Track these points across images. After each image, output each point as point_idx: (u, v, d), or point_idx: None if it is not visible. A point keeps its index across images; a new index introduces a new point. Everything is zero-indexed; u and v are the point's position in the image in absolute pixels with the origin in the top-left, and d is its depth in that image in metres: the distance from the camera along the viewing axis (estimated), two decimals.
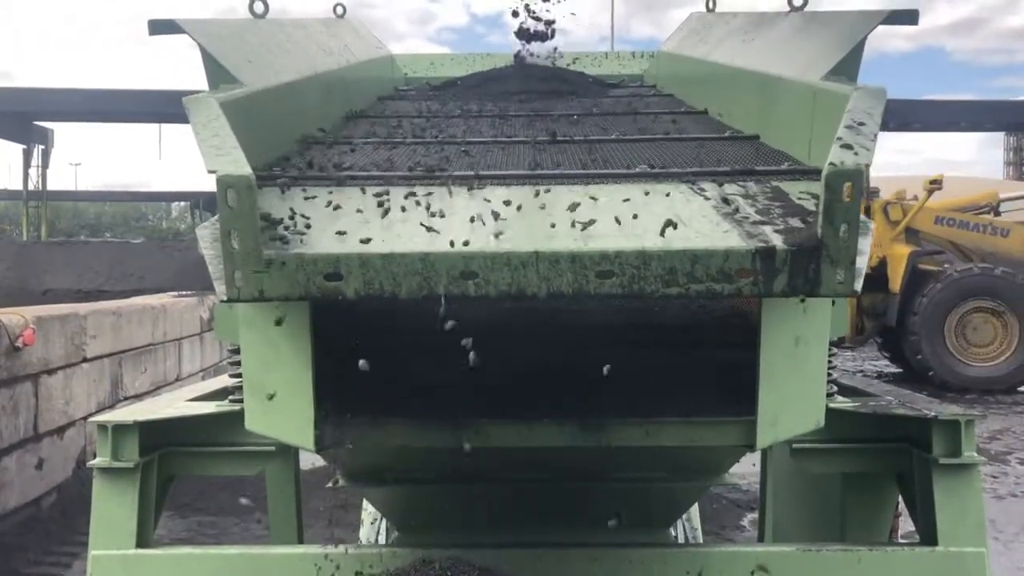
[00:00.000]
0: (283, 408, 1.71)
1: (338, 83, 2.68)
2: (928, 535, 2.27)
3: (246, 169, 1.34)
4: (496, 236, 1.40)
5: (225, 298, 1.36)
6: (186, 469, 2.59)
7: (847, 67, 1.85)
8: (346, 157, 1.92)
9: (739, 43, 2.67)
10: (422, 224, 1.44)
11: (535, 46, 3.79)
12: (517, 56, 3.86)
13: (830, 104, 1.67)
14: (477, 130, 2.38)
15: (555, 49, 3.98)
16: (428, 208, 1.51)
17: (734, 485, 2.45)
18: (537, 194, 1.59)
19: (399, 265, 1.35)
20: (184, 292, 10.51)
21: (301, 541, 3.29)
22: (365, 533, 3.45)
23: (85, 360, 6.96)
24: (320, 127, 2.29)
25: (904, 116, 37.56)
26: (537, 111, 2.80)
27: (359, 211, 1.49)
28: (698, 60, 3.00)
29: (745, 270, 1.35)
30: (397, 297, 1.36)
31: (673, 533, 3.48)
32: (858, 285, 1.37)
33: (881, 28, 1.91)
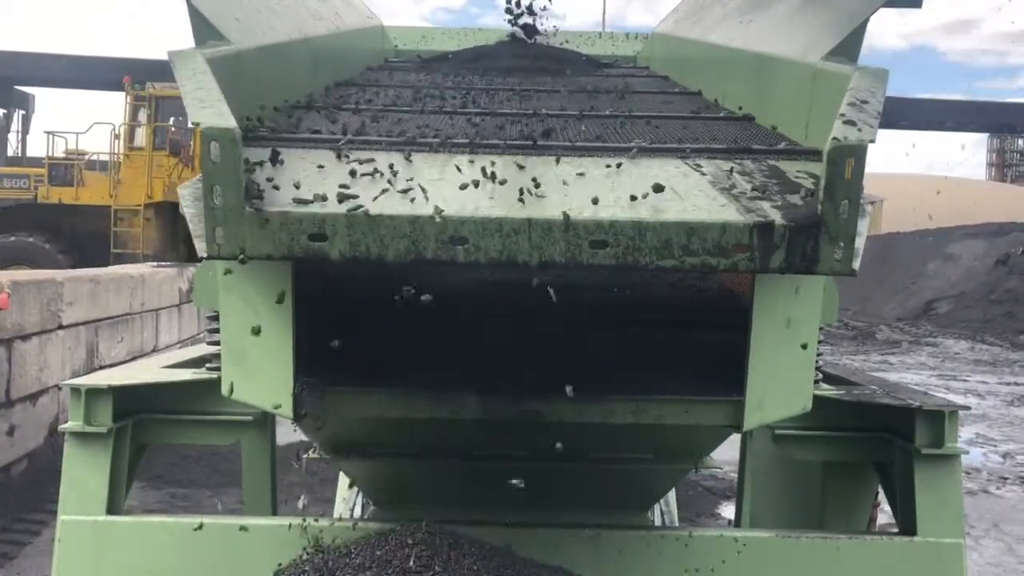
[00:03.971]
0: (261, 375, 1.67)
1: (326, 50, 2.62)
2: (907, 525, 2.27)
3: (231, 122, 1.29)
4: (488, 202, 1.36)
5: (205, 255, 1.32)
6: (160, 437, 2.55)
7: (848, 49, 1.82)
8: (335, 122, 1.87)
9: (736, 24, 2.63)
10: (412, 187, 1.40)
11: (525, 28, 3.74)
12: (513, 35, 3.81)
13: (830, 85, 1.63)
14: (469, 102, 2.34)
15: (555, 28, 3.94)
16: (420, 173, 1.47)
17: (716, 468, 2.44)
18: (532, 165, 1.55)
19: (387, 227, 1.31)
20: (164, 263, 10.40)
21: (275, 513, 3.25)
22: (339, 508, 3.42)
23: (61, 327, 6.87)
24: (307, 92, 2.24)
25: (890, 115, 37.77)
26: (529, 87, 2.75)
27: (349, 174, 1.45)
28: (693, 41, 2.96)
29: (742, 245, 1.32)
30: (383, 260, 1.32)
31: (650, 516, 3.47)
32: (856, 264, 1.34)
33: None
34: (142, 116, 15.58)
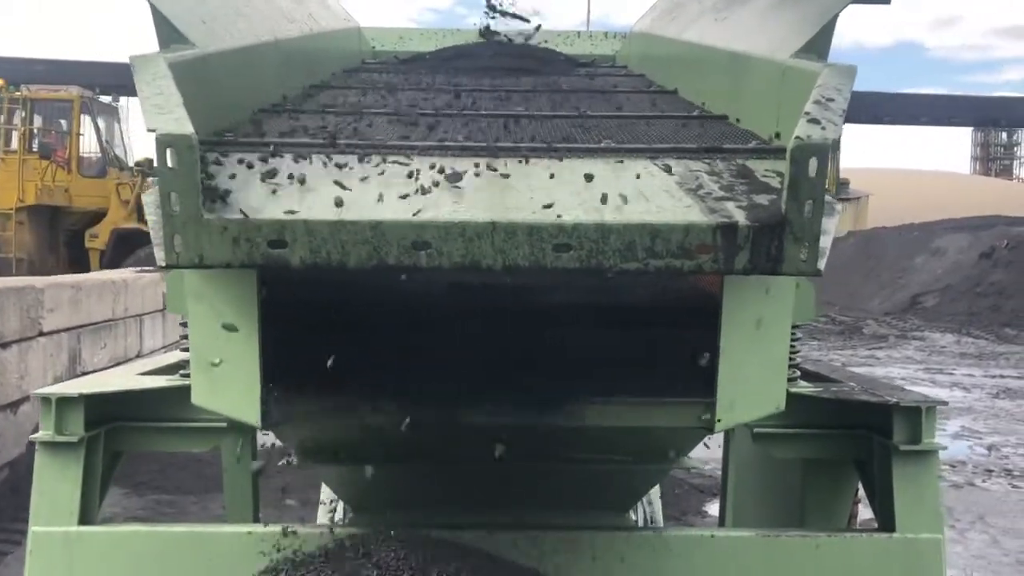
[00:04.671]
0: (229, 382, 1.65)
1: (299, 52, 2.60)
2: (886, 522, 2.26)
3: (187, 128, 1.27)
4: (451, 206, 1.35)
5: (164, 263, 1.30)
6: (135, 445, 2.52)
7: (818, 46, 1.81)
8: (300, 125, 1.85)
9: (711, 22, 2.62)
10: (374, 192, 1.38)
11: (505, 25, 3.73)
12: (485, 30, 3.80)
13: (799, 82, 1.63)
14: (440, 103, 2.32)
15: (538, 27, 3.93)
16: (382, 176, 1.45)
17: (694, 468, 2.44)
18: (497, 167, 1.53)
19: (348, 233, 1.29)
20: (146, 268, 10.34)
21: (257, 520, 3.22)
22: (322, 515, 3.40)
23: (41, 334, 6.81)
24: (278, 95, 2.22)
25: (875, 110, 38.01)
26: (503, 87, 2.74)
27: (309, 179, 1.43)
28: (669, 40, 2.95)
29: (705, 246, 1.31)
30: (345, 267, 1.30)
31: (633, 516, 3.46)
32: (822, 264, 1.33)
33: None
34: (17, 119, 15.50)
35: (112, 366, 7.99)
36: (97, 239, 15.07)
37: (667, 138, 1.87)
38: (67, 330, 7.27)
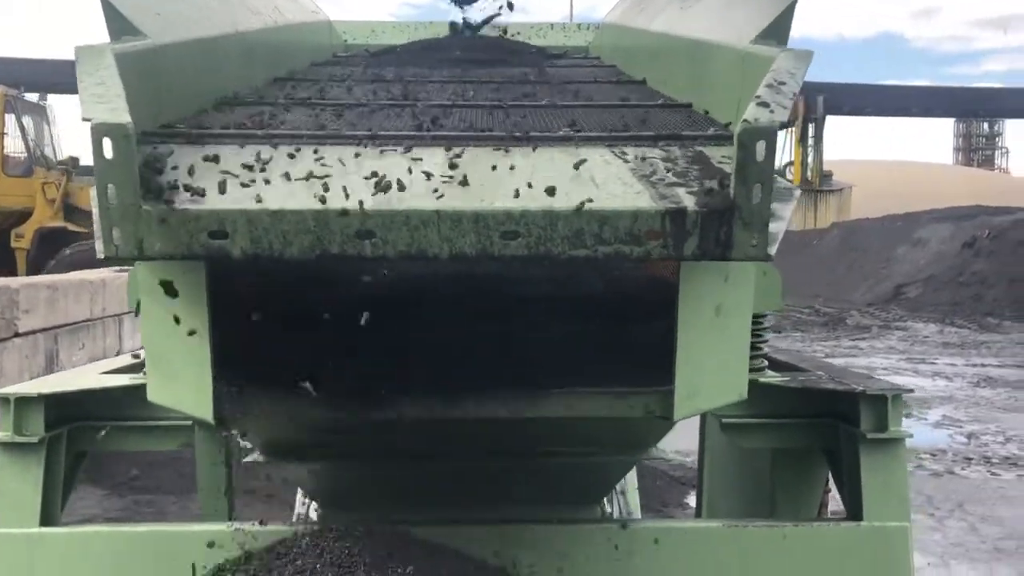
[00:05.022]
0: (181, 379, 1.62)
1: (263, 44, 2.57)
2: (854, 510, 2.26)
3: (124, 117, 1.24)
4: (397, 194, 1.33)
5: (103, 256, 1.27)
6: (99, 444, 2.49)
7: (777, 32, 1.80)
8: (254, 117, 1.83)
9: (677, 11, 2.61)
10: (320, 182, 1.36)
11: (475, 12, 3.71)
12: (453, 25, 3.78)
13: (758, 68, 1.61)
14: (399, 94, 2.29)
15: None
16: (328, 166, 1.43)
17: (661, 459, 2.43)
18: (451, 156, 1.51)
19: (289, 223, 1.27)
20: (124, 267, 10.25)
21: (232, 518, 3.20)
22: (297, 511, 3.37)
23: (17, 335, 6.74)
24: (239, 88, 2.18)
25: (858, 101, 38.16)
26: (472, 78, 2.72)
27: (253, 168, 1.40)
28: (637, 30, 2.94)
29: (654, 232, 1.29)
30: (287, 257, 1.28)
31: (609, 509, 3.45)
32: (772, 250, 1.32)
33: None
34: None
35: None
36: (23, 239, 14.95)
37: (629, 127, 1.86)
38: (43, 331, 7.20)
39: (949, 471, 7.51)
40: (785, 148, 40.97)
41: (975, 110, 44.95)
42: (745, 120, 1.27)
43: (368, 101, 2.09)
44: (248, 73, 2.32)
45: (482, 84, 2.56)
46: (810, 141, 37.43)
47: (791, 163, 38.64)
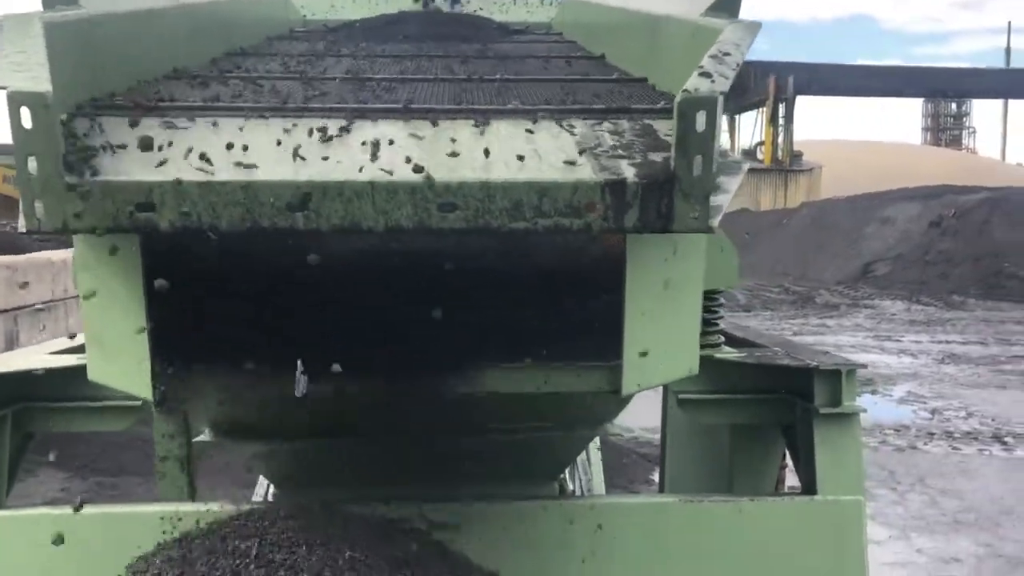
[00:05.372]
0: (119, 357, 1.59)
1: (211, 17, 2.51)
2: (808, 485, 2.27)
3: (44, 86, 1.20)
4: (331, 165, 1.29)
5: (24, 230, 1.23)
6: (46, 425, 2.43)
7: (730, 4, 1.78)
8: (193, 90, 1.78)
9: None
10: (253, 154, 1.32)
11: None
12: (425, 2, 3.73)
13: (708, 40, 1.59)
14: (353, 69, 2.25)
15: None
16: (261, 138, 1.39)
17: (618, 434, 2.42)
18: (395, 129, 1.48)
19: (218, 194, 1.23)
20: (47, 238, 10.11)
21: (193, 499, 3.16)
22: (257, 493, 3.34)
23: None
24: (185, 62, 2.13)
25: (829, 82, 38.39)
26: (427, 53, 2.67)
27: (186, 141, 1.36)
28: (598, 6, 2.91)
29: (594, 204, 1.27)
30: (217, 229, 1.24)
31: (571, 487, 3.46)
32: (714, 222, 1.30)
33: None
34: None
35: None
36: None
37: (580, 101, 1.83)
38: (3, 312, 7.08)
39: (912, 446, 7.62)
40: (756, 128, 41.28)
41: (943, 90, 45.37)
42: (685, 90, 1.25)
43: (317, 75, 2.05)
44: (197, 48, 2.26)
45: (436, 58, 2.52)
46: (780, 121, 37.68)
47: (762, 143, 38.90)
